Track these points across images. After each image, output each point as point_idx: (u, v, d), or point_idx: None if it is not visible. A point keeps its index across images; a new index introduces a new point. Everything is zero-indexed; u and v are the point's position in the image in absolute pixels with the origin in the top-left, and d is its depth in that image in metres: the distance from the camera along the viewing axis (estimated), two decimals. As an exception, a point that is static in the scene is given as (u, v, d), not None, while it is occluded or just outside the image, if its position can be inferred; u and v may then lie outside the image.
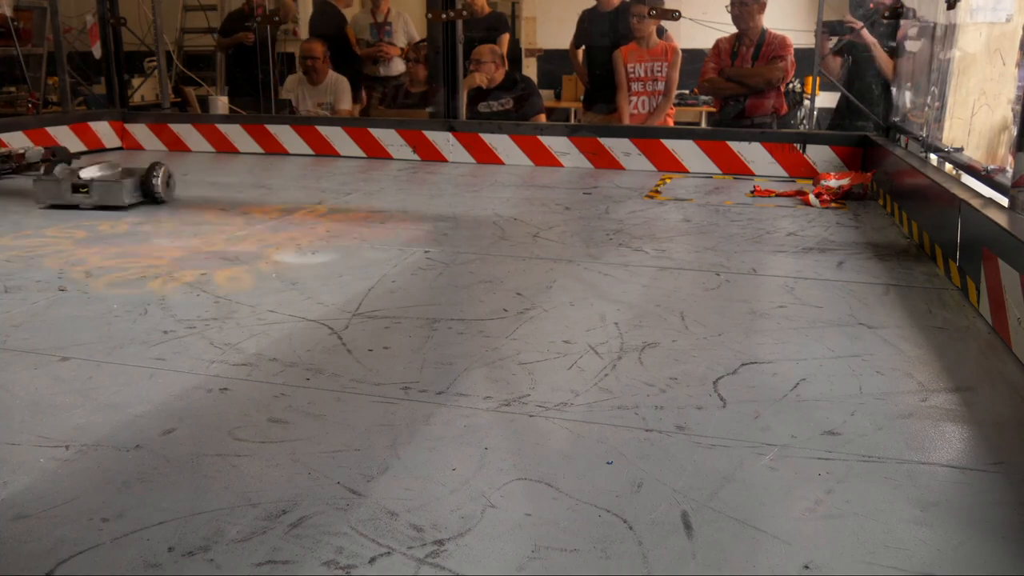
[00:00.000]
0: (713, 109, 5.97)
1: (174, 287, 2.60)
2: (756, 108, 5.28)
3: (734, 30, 5.30)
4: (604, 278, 2.73)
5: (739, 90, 5.30)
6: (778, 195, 4.21)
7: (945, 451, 1.59)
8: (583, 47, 6.05)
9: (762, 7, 5.18)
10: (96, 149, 5.86)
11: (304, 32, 6.93)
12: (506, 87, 5.82)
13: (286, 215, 3.71)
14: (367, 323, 2.28)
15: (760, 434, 1.64)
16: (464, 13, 5.32)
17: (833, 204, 4.00)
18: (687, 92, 7.22)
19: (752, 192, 4.29)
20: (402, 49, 6.34)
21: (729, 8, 5.24)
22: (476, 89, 5.73)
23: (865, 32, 4.77)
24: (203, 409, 1.74)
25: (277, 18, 5.76)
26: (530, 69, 8.81)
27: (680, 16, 5.59)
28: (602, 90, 5.84)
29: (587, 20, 6.00)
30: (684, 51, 5.73)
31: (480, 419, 1.69)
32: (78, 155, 5.33)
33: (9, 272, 2.74)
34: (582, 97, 6.42)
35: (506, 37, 6.16)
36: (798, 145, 4.83)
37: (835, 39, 4.90)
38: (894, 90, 4.75)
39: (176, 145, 5.97)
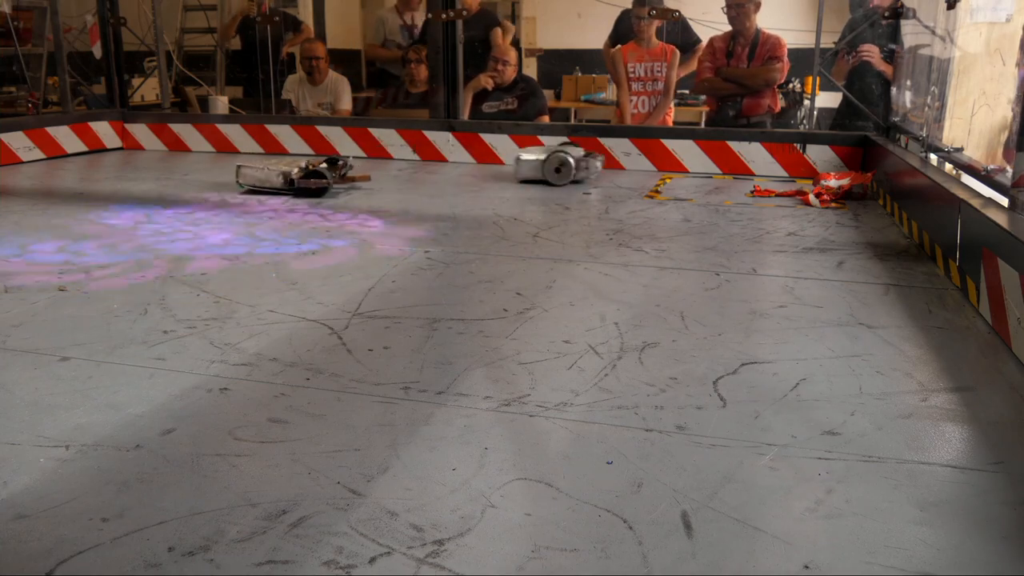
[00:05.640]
0: (705, 108, 5.96)
1: (174, 286, 2.60)
2: (753, 108, 5.29)
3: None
4: (604, 278, 2.73)
5: (737, 90, 5.30)
6: (778, 195, 4.21)
7: (945, 451, 1.59)
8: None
9: (757, 6, 5.18)
10: (96, 149, 5.86)
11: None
12: (508, 87, 5.82)
13: (286, 214, 3.71)
14: (367, 323, 2.28)
15: (760, 434, 1.64)
16: (464, 13, 5.31)
17: (833, 204, 4.00)
18: (686, 92, 7.24)
19: (752, 192, 4.29)
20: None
21: (725, 10, 5.25)
22: (480, 89, 5.73)
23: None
24: (203, 409, 1.74)
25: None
26: (530, 69, 8.81)
27: (680, 16, 5.60)
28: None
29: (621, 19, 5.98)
30: (683, 51, 5.73)
31: (480, 419, 1.69)
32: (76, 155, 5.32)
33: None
34: None
35: (497, 31, 6.12)
36: (798, 145, 4.83)
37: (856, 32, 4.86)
38: (894, 91, 4.75)
39: (176, 145, 5.97)
